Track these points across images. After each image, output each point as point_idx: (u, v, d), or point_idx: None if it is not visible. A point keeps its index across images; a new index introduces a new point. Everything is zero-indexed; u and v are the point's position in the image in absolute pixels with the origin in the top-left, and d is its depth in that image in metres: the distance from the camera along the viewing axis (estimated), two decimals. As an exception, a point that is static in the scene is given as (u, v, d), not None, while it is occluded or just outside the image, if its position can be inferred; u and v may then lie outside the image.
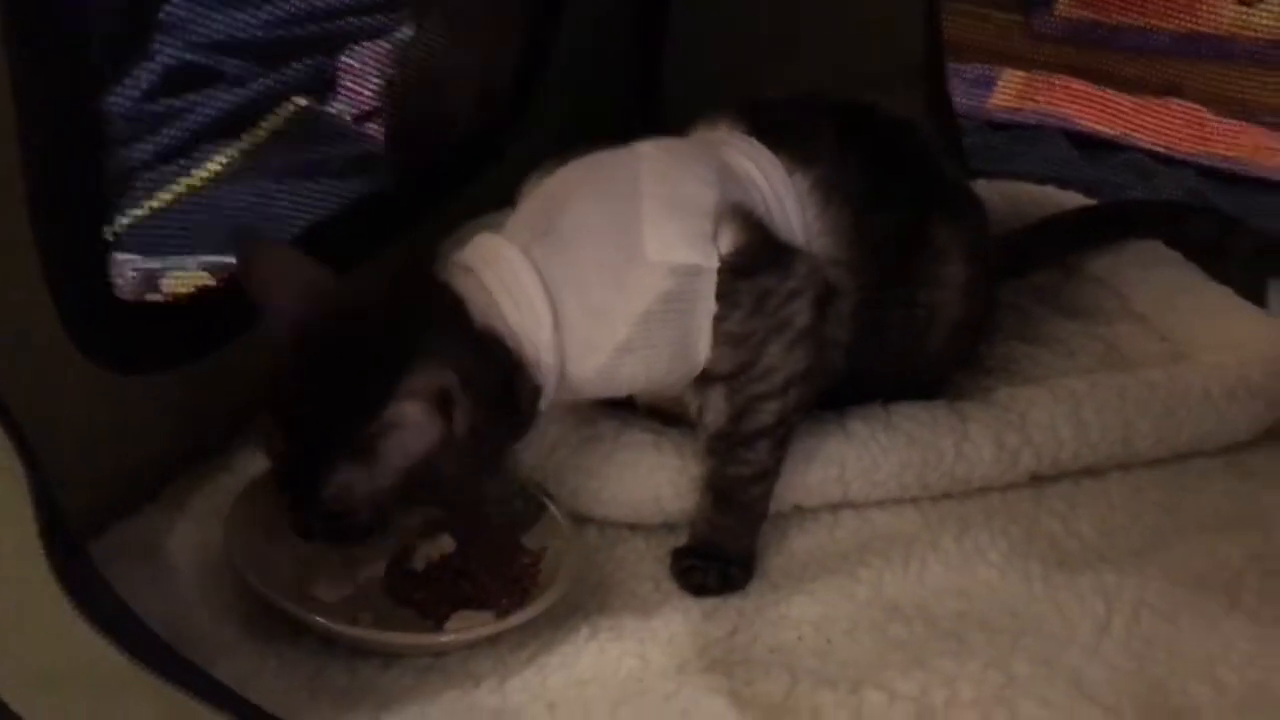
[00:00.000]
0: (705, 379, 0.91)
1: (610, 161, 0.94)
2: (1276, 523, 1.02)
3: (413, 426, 0.79)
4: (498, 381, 0.83)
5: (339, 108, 1.52)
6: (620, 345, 0.87)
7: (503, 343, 0.84)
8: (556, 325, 0.85)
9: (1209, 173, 1.61)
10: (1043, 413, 1.02)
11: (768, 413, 0.91)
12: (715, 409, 0.91)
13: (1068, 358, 1.18)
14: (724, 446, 0.92)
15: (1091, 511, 1.02)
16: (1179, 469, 1.07)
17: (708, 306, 0.88)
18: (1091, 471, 1.05)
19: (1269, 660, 0.89)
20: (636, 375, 0.89)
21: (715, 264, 0.88)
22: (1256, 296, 1.23)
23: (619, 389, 0.91)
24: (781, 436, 0.93)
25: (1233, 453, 1.10)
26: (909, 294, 1.01)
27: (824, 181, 0.95)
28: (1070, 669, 0.87)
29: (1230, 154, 1.66)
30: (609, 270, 0.87)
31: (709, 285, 0.88)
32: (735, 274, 0.88)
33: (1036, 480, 1.04)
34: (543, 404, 0.87)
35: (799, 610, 0.91)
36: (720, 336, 0.89)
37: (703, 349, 0.89)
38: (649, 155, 0.93)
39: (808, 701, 0.83)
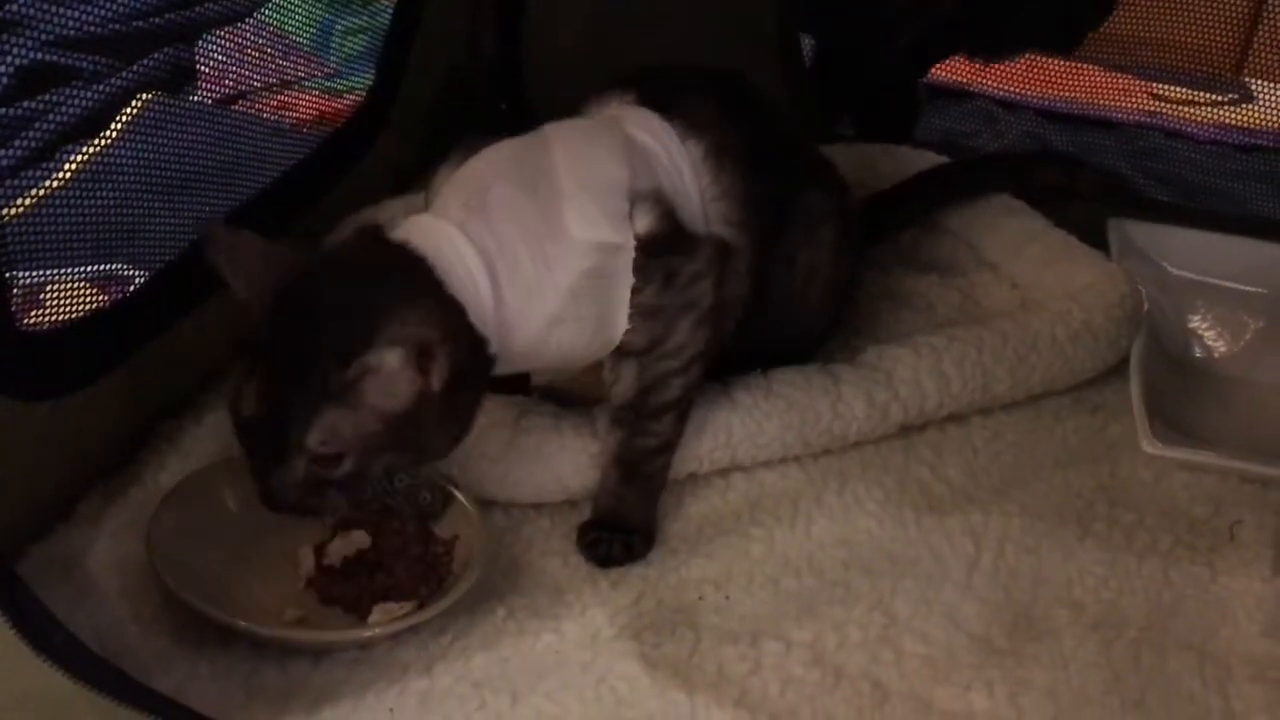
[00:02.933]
0: (621, 353, 0.96)
1: (524, 145, 0.98)
2: (1122, 453, 1.12)
3: (390, 373, 0.82)
4: (465, 342, 0.86)
5: (201, 96, 1.51)
6: (550, 318, 0.91)
7: (463, 309, 0.87)
8: (495, 300, 0.89)
9: (1048, 115, 1.70)
10: (907, 369, 1.09)
11: (675, 388, 0.97)
12: (625, 382, 0.97)
13: (928, 311, 1.26)
14: (632, 418, 0.97)
15: (957, 456, 1.10)
16: (1034, 409, 1.17)
17: (626, 280, 0.93)
18: (955, 418, 1.13)
19: (1119, 581, 0.99)
20: (563, 346, 0.93)
21: (632, 241, 0.93)
22: (1098, 237, 1.33)
23: (547, 360, 0.95)
24: (684, 410, 0.99)
25: (1081, 390, 1.19)
26: (791, 255, 1.07)
27: (715, 148, 1.00)
28: (946, 605, 0.95)
29: (1068, 95, 1.74)
30: (537, 247, 0.90)
31: (627, 261, 0.93)
32: (647, 252, 0.94)
33: (906, 431, 1.11)
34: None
35: (699, 572, 0.97)
36: (635, 308, 0.94)
37: (621, 321, 0.94)
38: (561, 137, 0.97)
39: (712, 656, 0.90)
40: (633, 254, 0.93)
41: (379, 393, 0.83)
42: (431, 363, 0.83)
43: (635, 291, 0.94)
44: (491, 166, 0.96)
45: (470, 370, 0.87)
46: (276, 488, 0.84)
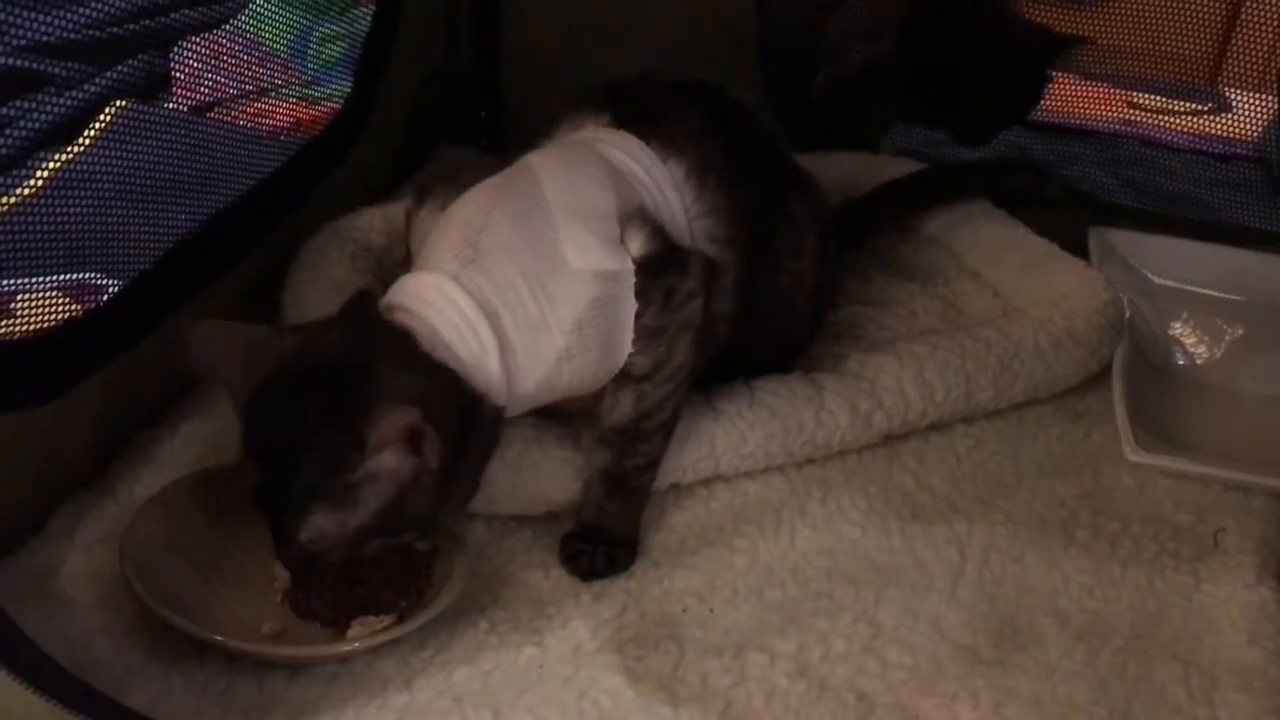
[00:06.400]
0: (623, 378, 0.94)
1: (508, 181, 0.96)
2: (1105, 461, 1.12)
3: (390, 471, 0.81)
4: (457, 410, 0.85)
5: (176, 103, 1.49)
6: (560, 354, 0.90)
7: (454, 374, 0.85)
8: (501, 348, 0.87)
9: (1026, 123, 1.70)
10: (890, 377, 1.09)
11: (667, 409, 0.96)
12: (624, 408, 0.95)
13: (910, 318, 1.26)
14: (623, 439, 0.96)
15: (940, 465, 1.10)
16: (1017, 418, 1.16)
17: (629, 305, 0.92)
18: (938, 427, 1.13)
19: (1104, 590, 0.98)
20: (572, 380, 0.92)
21: (630, 265, 0.92)
22: (1074, 242, 1.33)
23: (555, 396, 0.93)
24: (672, 427, 0.98)
25: (1064, 398, 1.19)
26: (778, 264, 1.06)
27: (696, 165, 0.99)
28: (931, 615, 0.94)
29: (1046, 104, 1.74)
30: (537, 285, 0.89)
31: (629, 286, 0.92)
32: (647, 273, 0.92)
33: (889, 440, 1.11)
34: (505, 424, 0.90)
35: (682, 584, 0.96)
36: (639, 331, 0.93)
37: (626, 347, 0.93)
38: (543, 168, 0.96)
39: (696, 669, 0.89)
40: (633, 278, 0.92)
41: (375, 491, 0.82)
42: (424, 443, 0.81)
43: (638, 315, 0.92)
44: (479, 208, 0.93)
45: (466, 434, 0.86)
46: (283, 556, 0.86)
